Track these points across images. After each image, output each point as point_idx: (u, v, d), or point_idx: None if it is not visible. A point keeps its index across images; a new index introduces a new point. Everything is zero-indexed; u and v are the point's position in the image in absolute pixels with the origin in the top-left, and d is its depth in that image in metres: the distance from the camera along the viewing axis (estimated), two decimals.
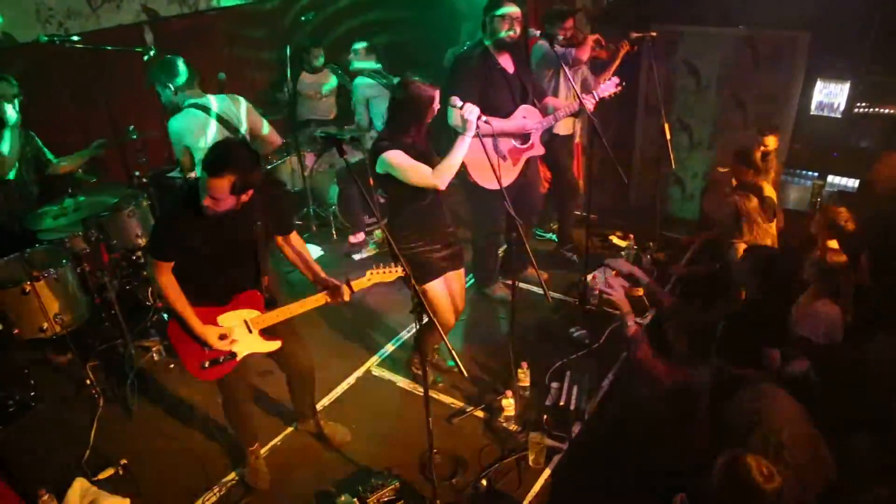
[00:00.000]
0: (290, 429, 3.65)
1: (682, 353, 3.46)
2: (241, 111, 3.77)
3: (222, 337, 2.83)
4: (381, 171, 3.17)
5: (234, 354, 2.90)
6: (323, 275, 3.00)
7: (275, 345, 3.01)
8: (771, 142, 4.73)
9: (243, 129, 3.74)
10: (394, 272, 2.92)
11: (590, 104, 4.00)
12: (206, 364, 2.86)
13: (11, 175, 3.86)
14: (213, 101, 3.68)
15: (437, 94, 3.16)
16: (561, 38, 4.57)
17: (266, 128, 3.91)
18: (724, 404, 2.46)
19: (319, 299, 2.92)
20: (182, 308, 2.72)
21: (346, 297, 2.91)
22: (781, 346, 2.99)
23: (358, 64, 4.82)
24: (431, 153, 3.31)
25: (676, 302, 3.62)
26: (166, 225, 2.70)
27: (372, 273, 2.91)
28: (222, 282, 2.82)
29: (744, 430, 2.31)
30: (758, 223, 4.19)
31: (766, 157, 4.46)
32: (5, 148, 3.72)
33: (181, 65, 3.59)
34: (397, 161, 3.11)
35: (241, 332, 2.89)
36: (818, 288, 3.34)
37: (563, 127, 4.84)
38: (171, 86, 3.58)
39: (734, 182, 4.49)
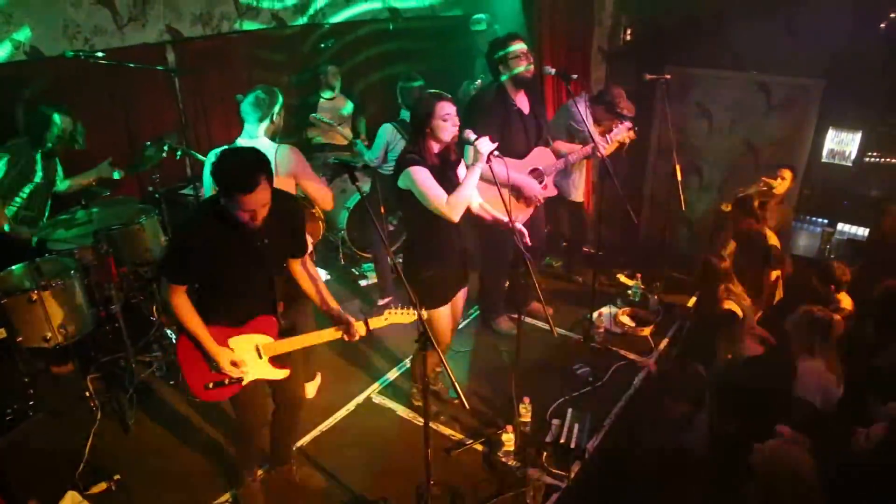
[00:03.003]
0: None
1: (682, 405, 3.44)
2: (288, 168, 3.36)
3: (234, 363, 2.76)
4: (403, 185, 3.16)
5: (239, 378, 2.84)
6: (337, 308, 2.91)
7: (283, 373, 2.94)
8: (787, 175, 4.75)
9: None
10: (413, 314, 2.88)
11: (603, 149, 4.04)
12: (210, 385, 2.80)
13: (25, 192, 3.92)
14: (241, 143, 3.40)
15: (439, 106, 3.09)
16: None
17: (319, 190, 3.56)
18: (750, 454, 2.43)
19: (334, 333, 2.86)
20: (195, 327, 2.66)
21: (363, 333, 2.85)
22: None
23: (405, 114, 4.86)
24: (456, 179, 3.28)
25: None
26: (180, 247, 2.64)
27: (390, 313, 2.88)
28: (237, 304, 2.77)
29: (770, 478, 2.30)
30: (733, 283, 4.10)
31: (763, 205, 4.45)
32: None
33: (251, 96, 3.41)
34: (419, 179, 3.09)
35: (250, 357, 2.83)
36: (796, 343, 3.31)
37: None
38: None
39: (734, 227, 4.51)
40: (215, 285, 2.69)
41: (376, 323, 2.87)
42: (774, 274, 4.38)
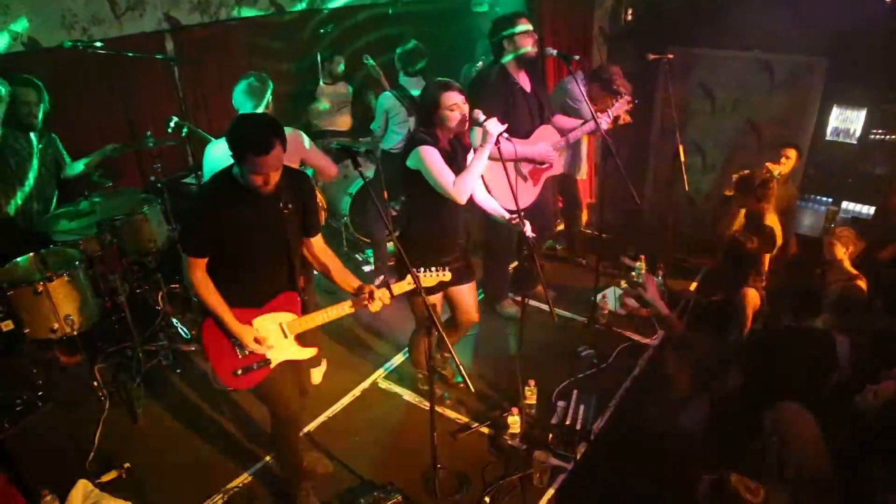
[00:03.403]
0: None
1: (681, 389, 3.46)
2: (290, 148, 3.46)
3: (258, 340, 2.69)
4: (412, 165, 3.14)
5: (267, 361, 2.76)
6: (357, 281, 2.87)
7: (310, 352, 2.89)
8: (792, 154, 4.71)
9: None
10: (436, 277, 2.87)
11: (605, 123, 4.02)
12: (239, 371, 2.72)
13: (31, 179, 3.92)
14: None
15: (445, 97, 3.06)
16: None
17: (325, 163, 3.76)
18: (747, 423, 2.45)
19: (358, 303, 2.80)
20: (216, 304, 2.60)
21: (387, 301, 2.80)
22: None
23: (403, 80, 4.87)
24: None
25: (687, 332, 3.58)
26: (196, 218, 2.60)
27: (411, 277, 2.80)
28: (258, 281, 2.71)
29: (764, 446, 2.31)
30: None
31: (767, 183, 4.42)
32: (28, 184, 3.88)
33: (245, 83, 3.43)
34: (428, 159, 3.08)
35: (276, 337, 2.77)
36: (832, 319, 3.30)
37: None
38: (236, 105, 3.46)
39: (742, 211, 4.46)
40: (237, 257, 2.62)
41: (400, 288, 2.83)
42: (766, 256, 4.35)
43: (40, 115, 3.86)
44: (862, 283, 3.71)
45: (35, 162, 3.92)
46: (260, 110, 3.40)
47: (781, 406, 2.41)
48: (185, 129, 4.05)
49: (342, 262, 3.01)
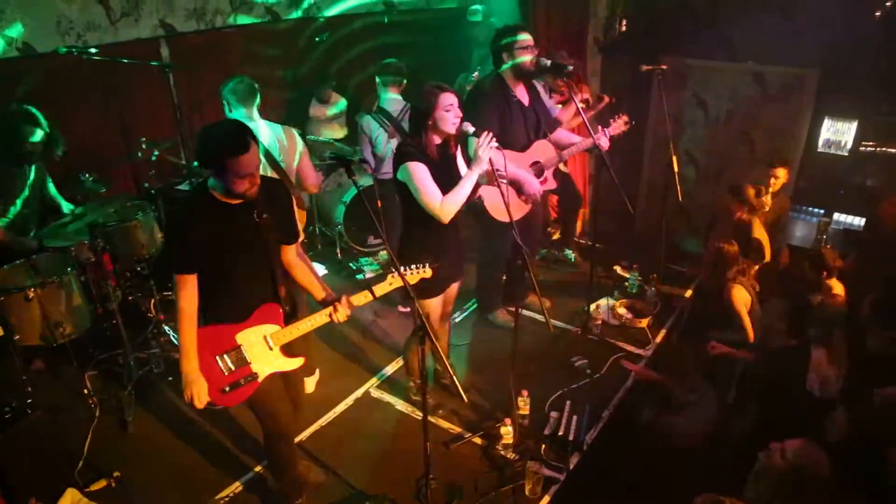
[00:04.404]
0: None
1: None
2: (289, 146, 3.59)
3: (198, 398, 2.63)
4: (401, 178, 3.16)
5: (254, 376, 2.71)
6: (331, 293, 2.86)
7: (297, 362, 2.84)
8: (781, 174, 4.73)
9: (283, 164, 3.57)
10: (418, 274, 2.86)
11: (605, 143, 4.03)
12: (227, 388, 2.68)
13: (17, 206, 3.86)
14: (264, 129, 3.54)
15: (443, 97, 3.08)
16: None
17: (311, 173, 3.80)
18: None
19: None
20: (186, 333, 2.58)
21: (370, 299, 2.80)
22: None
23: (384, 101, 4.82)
24: (455, 172, 3.28)
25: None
26: (180, 234, 2.56)
27: (394, 277, 2.79)
28: (239, 295, 2.68)
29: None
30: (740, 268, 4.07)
31: (759, 193, 4.42)
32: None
33: (244, 84, 3.48)
34: (416, 176, 3.08)
35: (261, 350, 2.72)
36: (815, 335, 3.31)
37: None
38: (228, 103, 3.49)
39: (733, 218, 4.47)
40: (218, 272, 2.60)
41: (382, 289, 2.81)
42: (754, 268, 4.36)
43: (39, 149, 3.80)
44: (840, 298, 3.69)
45: (26, 191, 3.87)
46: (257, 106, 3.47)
47: (793, 441, 2.32)
48: (154, 154, 4.07)
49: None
